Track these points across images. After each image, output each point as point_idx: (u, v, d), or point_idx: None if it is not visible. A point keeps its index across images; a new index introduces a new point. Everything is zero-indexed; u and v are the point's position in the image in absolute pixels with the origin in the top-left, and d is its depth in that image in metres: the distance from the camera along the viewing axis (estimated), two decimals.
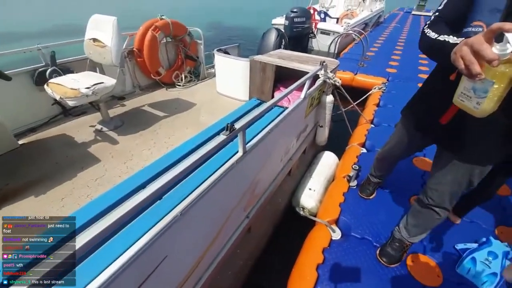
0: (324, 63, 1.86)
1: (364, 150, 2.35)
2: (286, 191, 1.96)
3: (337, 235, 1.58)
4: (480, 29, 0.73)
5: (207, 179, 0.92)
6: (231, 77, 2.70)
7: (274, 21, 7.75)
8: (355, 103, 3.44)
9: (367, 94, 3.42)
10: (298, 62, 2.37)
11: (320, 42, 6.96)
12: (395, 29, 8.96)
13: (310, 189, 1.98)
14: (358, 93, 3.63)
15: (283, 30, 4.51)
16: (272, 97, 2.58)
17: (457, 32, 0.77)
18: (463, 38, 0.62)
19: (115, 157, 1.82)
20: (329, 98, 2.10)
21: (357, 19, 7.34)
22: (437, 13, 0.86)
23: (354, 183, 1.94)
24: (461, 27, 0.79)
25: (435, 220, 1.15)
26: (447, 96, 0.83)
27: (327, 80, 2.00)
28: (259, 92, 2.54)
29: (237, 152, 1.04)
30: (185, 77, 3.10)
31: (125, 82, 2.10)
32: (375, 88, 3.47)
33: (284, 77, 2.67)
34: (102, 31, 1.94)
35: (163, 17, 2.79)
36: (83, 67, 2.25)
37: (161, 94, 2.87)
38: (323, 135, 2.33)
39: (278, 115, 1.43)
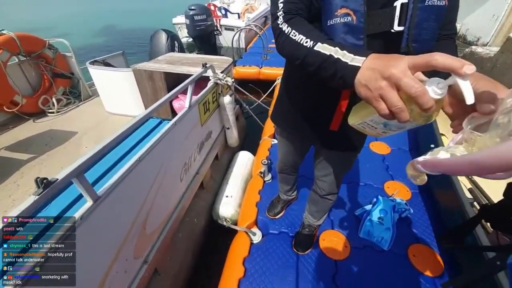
0: (207, 65, 1.74)
1: (275, 141, 2.41)
2: (202, 207, 1.81)
3: (257, 237, 1.54)
4: (349, 18, 0.56)
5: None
6: (116, 92, 2.31)
7: (174, 20, 7.30)
8: (265, 94, 3.59)
9: (273, 86, 3.56)
10: (189, 66, 2.20)
11: (226, 38, 6.93)
12: None
13: (227, 196, 1.89)
14: (267, 84, 3.77)
15: (179, 33, 4.22)
16: (171, 106, 2.35)
17: (316, 25, 0.60)
18: (364, 58, 0.44)
19: None
20: (227, 99, 2.02)
21: (256, 13, 7.64)
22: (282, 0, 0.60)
23: (268, 177, 1.96)
24: (316, 18, 0.61)
25: (330, 204, 1.23)
26: (327, 101, 0.77)
27: (219, 82, 1.91)
28: (154, 103, 2.26)
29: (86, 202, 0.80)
30: (59, 100, 2.50)
31: None
32: (278, 79, 3.64)
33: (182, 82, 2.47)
34: None
35: (3, 31, 2.13)
36: None
37: (27, 129, 2.23)
38: (233, 136, 2.26)
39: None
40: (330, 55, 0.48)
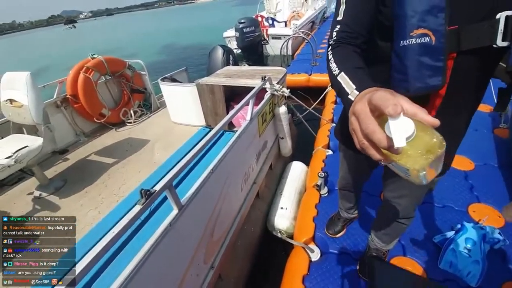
0: (266, 78, 1.79)
1: (330, 152, 2.31)
2: (258, 216, 1.83)
3: (316, 255, 1.48)
4: (427, 38, 0.51)
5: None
6: (182, 104, 2.56)
7: (225, 34, 7.80)
8: (315, 103, 3.50)
9: (324, 93, 3.45)
10: (245, 78, 2.30)
11: (273, 47, 7.07)
12: None
13: (282, 208, 1.88)
14: (317, 92, 3.67)
15: (229, 46, 4.46)
16: None
17: (385, 44, 0.59)
18: (358, 93, 0.43)
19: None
20: (282, 110, 2.03)
21: (303, 19, 7.60)
22: (337, 27, 0.62)
23: (324, 191, 1.87)
24: (386, 37, 0.58)
25: (403, 229, 1.10)
26: None
27: (275, 93, 1.94)
28: (212, 115, 2.42)
29: (172, 210, 0.89)
30: (135, 112, 2.89)
31: (55, 138, 1.86)
32: (330, 86, 3.50)
33: (238, 93, 2.59)
34: (16, 89, 1.71)
35: (94, 56, 2.59)
36: (7, 130, 1.98)
37: (111, 137, 2.63)
38: (286, 146, 2.25)
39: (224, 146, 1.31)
40: (341, 85, 0.50)
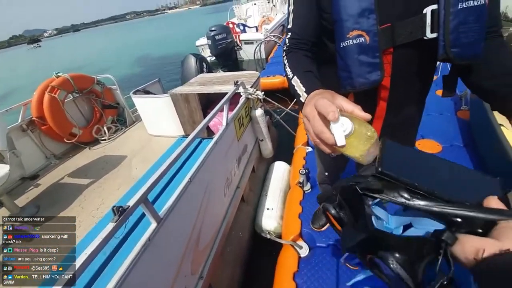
0: (238, 83, 1.81)
1: (310, 149, 2.37)
2: (245, 220, 1.83)
3: (304, 250, 1.50)
4: (362, 38, 0.56)
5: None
6: (157, 116, 2.50)
7: (197, 42, 7.77)
8: (292, 103, 3.58)
9: None
10: (219, 84, 2.31)
11: (247, 52, 7.15)
12: None
13: (268, 209, 1.89)
14: None
15: (202, 54, 4.46)
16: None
17: (332, 46, 0.63)
18: (307, 96, 0.50)
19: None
20: (258, 112, 2.06)
21: (273, 23, 7.77)
22: (289, 34, 0.69)
23: (307, 187, 1.91)
24: (332, 39, 0.62)
25: None
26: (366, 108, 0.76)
27: (250, 96, 1.96)
28: (190, 124, 2.40)
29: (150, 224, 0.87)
30: (109, 128, 2.78)
31: (22, 163, 1.74)
32: None
33: (214, 100, 2.59)
34: None
35: (59, 74, 2.48)
36: None
37: (84, 156, 2.51)
38: (267, 148, 2.28)
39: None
40: (295, 88, 0.56)
